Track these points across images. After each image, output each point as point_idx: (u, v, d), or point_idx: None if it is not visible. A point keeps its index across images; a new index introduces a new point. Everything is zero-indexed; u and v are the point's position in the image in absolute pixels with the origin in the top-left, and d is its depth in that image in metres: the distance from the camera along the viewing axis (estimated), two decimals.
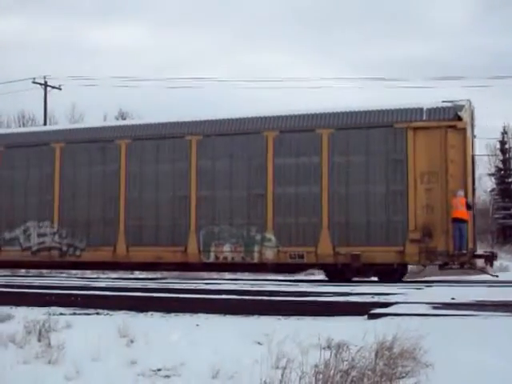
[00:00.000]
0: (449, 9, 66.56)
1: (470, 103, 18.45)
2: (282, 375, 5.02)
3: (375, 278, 18.66)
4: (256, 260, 19.23)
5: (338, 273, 18.60)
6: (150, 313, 11.52)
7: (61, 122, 41.66)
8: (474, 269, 18.66)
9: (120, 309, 11.71)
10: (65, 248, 21.18)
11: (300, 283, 16.95)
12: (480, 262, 18.37)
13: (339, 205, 18.58)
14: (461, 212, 17.29)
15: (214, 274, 22.99)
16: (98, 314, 11.62)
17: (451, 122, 17.83)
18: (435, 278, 19.59)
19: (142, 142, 20.58)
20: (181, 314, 11.12)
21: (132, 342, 8.04)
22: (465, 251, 17.44)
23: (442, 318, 8.98)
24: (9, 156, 22.14)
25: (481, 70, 62.78)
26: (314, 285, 15.97)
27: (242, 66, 69.24)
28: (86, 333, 8.04)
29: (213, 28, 74.36)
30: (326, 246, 18.54)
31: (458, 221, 17.31)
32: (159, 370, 6.53)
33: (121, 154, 20.71)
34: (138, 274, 24.30)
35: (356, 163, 18.56)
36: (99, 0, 71.57)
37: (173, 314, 11.18)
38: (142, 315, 11.34)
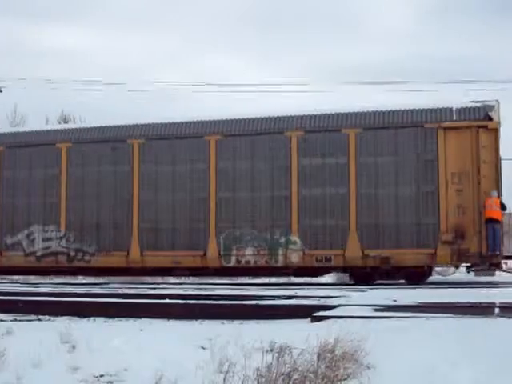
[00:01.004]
0: (390, 14, 67.28)
1: (499, 104, 18.29)
2: (225, 379, 5.05)
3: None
4: (280, 263, 18.62)
5: (365, 276, 18.15)
6: (92, 318, 11.43)
7: (1, 125, 40.17)
8: (500, 270, 18.54)
9: (62, 314, 11.59)
10: (73, 253, 20.14)
11: (245, 287, 16.97)
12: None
13: (367, 206, 18.15)
14: (495, 212, 17.09)
15: (158, 279, 22.88)
16: (39, 320, 11.41)
17: (482, 122, 17.63)
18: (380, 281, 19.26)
19: (156, 141, 19.75)
20: (124, 319, 11.10)
21: (74, 347, 7.88)
22: (498, 252, 17.24)
23: (383, 319, 9.03)
24: (10, 156, 20.99)
25: (419, 75, 63.67)
26: (258, 288, 15.96)
27: (190, 69, 68.55)
28: (27, 339, 8.02)
29: (162, 31, 73.41)
30: (355, 248, 18.07)
31: (492, 221, 17.10)
32: (102, 375, 6.45)
33: (133, 154, 19.84)
34: (81, 278, 24.05)
35: (384, 164, 18.17)
36: (43, 1, 69.43)
37: (116, 319, 11.15)
38: (84, 320, 11.25)
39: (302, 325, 9.08)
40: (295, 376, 5.36)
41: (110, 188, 19.99)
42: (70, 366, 6.70)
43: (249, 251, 18.81)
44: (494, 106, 17.88)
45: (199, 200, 19.29)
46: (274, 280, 21.25)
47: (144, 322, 10.58)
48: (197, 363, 6.16)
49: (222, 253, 18.97)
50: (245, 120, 19.29)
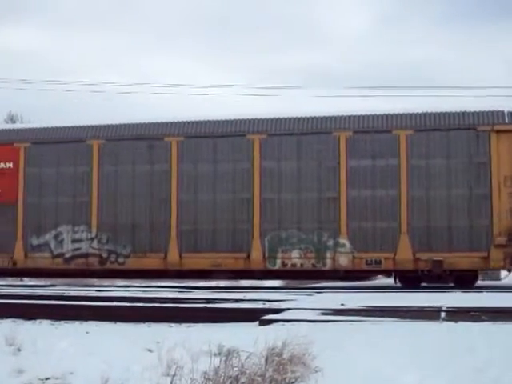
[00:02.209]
0: (348, 19, 67.80)
1: None
2: (172, 382, 5.04)
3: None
4: (329, 266, 18.18)
5: (415, 279, 17.88)
6: (38, 320, 11.33)
7: None
8: None
9: (7, 317, 11.42)
10: (105, 255, 19.26)
11: (194, 290, 17.04)
12: None
13: (419, 209, 17.89)
14: None
15: (105, 281, 22.71)
16: None
17: None
18: (325, 284, 19.64)
19: (195, 140, 19.08)
20: (70, 322, 11.05)
21: (19, 350, 7.81)
22: None
23: (331, 323, 9.17)
24: (36, 153, 19.97)
25: (376, 80, 64.53)
26: (207, 291, 16.11)
27: (138, 70, 67.63)
28: None
29: (110, 33, 72.21)
30: (406, 251, 17.78)
31: None
32: (48, 378, 6.33)
33: (171, 152, 19.11)
34: (27, 280, 23.66)
35: (436, 166, 17.96)
36: None
37: (62, 322, 11.06)
38: (29, 323, 11.10)
39: (250, 328, 9.17)
40: (243, 379, 5.35)
41: (147, 187, 19.19)
42: (14, 369, 6.58)
43: (295, 254, 18.32)
44: None
45: (243, 200, 18.70)
46: (222, 284, 20.97)
47: (90, 325, 10.56)
48: (144, 366, 6.12)
49: (266, 255, 18.42)
50: (291, 119, 18.80)
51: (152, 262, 18.93)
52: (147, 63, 69.35)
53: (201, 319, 10.66)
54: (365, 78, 55.64)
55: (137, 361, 6.64)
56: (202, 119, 19.35)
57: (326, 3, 66.86)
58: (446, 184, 17.87)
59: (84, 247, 19.36)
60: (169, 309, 11.70)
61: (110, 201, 19.37)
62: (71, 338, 8.50)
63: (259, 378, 5.48)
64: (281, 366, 5.85)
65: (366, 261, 18.05)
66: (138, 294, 14.25)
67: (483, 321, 9.51)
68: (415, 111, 18.34)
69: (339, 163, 18.28)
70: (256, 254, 18.42)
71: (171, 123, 19.39)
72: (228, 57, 74.01)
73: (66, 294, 14.84)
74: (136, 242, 19.08)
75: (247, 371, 5.50)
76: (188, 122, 19.32)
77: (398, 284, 18.43)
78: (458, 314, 10.07)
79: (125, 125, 19.69)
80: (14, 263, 19.70)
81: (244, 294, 14.19)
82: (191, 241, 18.83)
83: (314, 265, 18.27)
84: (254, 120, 18.96)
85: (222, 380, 5.24)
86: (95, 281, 22.03)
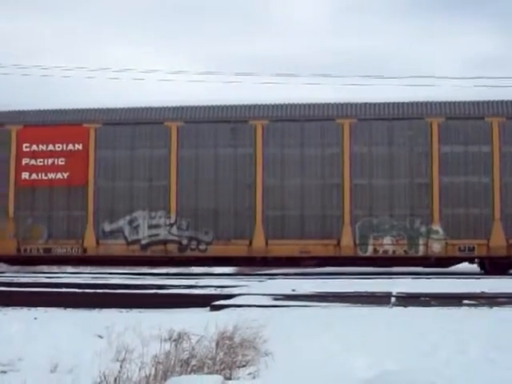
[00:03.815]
0: (306, 8, 67.81)
1: None
2: (121, 367, 5.01)
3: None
4: (421, 253, 18.03)
5: (507, 266, 17.95)
6: None
7: None
8: None
9: None
10: (185, 241, 18.49)
11: (146, 276, 17.09)
12: None
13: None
14: None
15: (55, 268, 22.33)
16: None
17: None
18: (276, 271, 19.77)
19: (282, 123, 18.55)
20: (18, 308, 10.87)
21: None
22: None
23: (282, 308, 9.34)
24: (108, 134, 18.98)
25: (335, 69, 65.18)
26: (158, 278, 16.21)
27: (91, 56, 66.15)
28: None
29: (66, 16, 70.24)
30: (500, 238, 17.82)
31: None
32: None
33: (256, 135, 18.52)
34: None
35: None
36: None
37: (10, 308, 10.84)
38: None
39: (201, 313, 9.16)
40: (193, 362, 5.37)
41: (230, 172, 18.53)
42: None
43: (387, 240, 18.08)
44: None
45: (332, 186, 18.32)
46: (174, 270, 20.73)
47: (39, 311, 10.38)
48: (94, 351, 6.00)
49: (357, 242, 18.11)
50: (381, 104, 18.52)
51: (236, 248, 18.30)
52: (105, 50, 67.50)
53: (152, 305, 10.56)
54: (317, 67, 55.90)
55: (86, 347, 6.52)
56: (286, 103, 18.81)
57: None
58: None
59: (162, 233, 18.54)
60: (120, 295, 11.59)
61: (191, 186, 18.60)
62: (19, 325, 8.30)
63: (210, 361, 5.48)
64: (231, 350, 5.91)
65: (460, 247, 17.99)
66: (89, 281, 14.23)
67: (432, 306, 9.81)
68: (508, 98, 18.38)
69: (431, 149, 18.15)
70: (346, 241, 18.09)
71: (255, 106, 18.77)
72: (179, 43, 72.87)
73: (16, 280, 14.64)
74: (219, 229, 18.40)
75: (198, 354, 5.52)
76: (273, 106, 18.74)
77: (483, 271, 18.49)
78: (407, 300, 10.32)
79: (206, 107, 18.92)
80: (85, 250, 18.68)
81: (196, 280, 14.20)
82: (278, 227, 18.31)
83: (405, 251, 18.08)
84: (343, 104, 18.59)
85: (172, 363, 5.21)
86: (44, 267, 21.32)
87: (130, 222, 18.66)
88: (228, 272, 21.46)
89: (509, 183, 18.01)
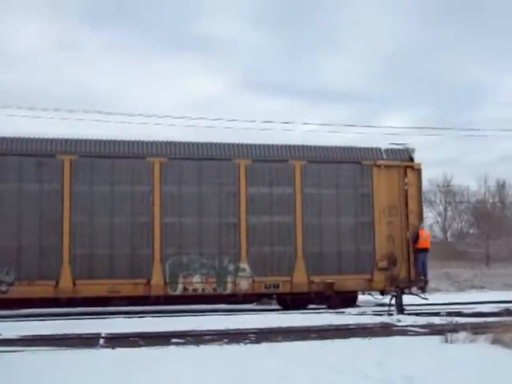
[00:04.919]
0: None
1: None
2: None
3: None
4: (229, 291, 18.44)
5: (307, 301, 18.96)
6: None
7: None
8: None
9: None
10: None
11: None
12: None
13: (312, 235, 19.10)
14: (427, 242, 19.41)
15: None
16: None
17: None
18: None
19: (91, 159, 18.14)
20: None
21: None
22: (425, 277, 19.52)
23: None
24: None
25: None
26: None
27: None
28: None
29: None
30: (301, 275, 18.80)
31: (425, 251, 19.38)
32: None
33: (64, 171, 17.92)
34: None
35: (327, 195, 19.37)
36: None
37: None
38: None
39: None
40: None
41: (35, 208, 17.69)
42: None
43: (196, 279, 18.28)
44: (414, 149, 20.38)
45: (142, 224, 18.20)
46: None
47: None
48: None
49: (167, 280, 18.09)
50: (190, 144, 18.87)
51: (42, 289, 17.41)
52: None
53: None
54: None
55: None
56: (97, 138, 18.46)
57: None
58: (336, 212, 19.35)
59: None
60: None
61: None
62: None
63: None
64: None
65: (265, 285, 18.69)
66: None
67: (140, 346, 10.24)
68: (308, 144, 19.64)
69: (239, 190, 18.79)
70: (157, 279, 18.01)
71: (61, 140, 18.19)
72: None
73: None
74: (22, 268, 17.40)
75: None
76: (84, 140, 18.30)
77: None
78: (116, 340, 10.76)
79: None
80: None
81: None
82: (86, 266, 17.75)
83: (215, 289, 18.39)
84: (152, 143, 18.65)
85: None
86: None
87: None
88: None
89: (309, 223, 19.13)
